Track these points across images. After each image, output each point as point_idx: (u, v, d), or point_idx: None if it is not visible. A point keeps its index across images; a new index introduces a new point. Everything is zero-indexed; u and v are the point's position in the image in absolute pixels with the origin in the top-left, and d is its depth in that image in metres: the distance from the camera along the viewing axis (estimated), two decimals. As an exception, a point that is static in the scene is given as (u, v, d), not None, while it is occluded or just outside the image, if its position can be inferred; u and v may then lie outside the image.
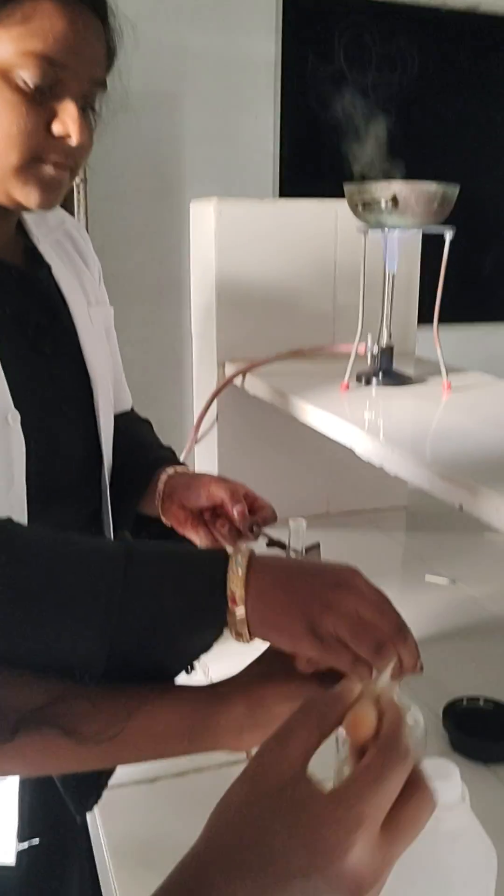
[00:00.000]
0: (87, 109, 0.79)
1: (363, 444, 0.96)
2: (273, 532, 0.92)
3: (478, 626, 1.16)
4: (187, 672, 0.60)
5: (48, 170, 0.77)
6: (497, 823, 0.77)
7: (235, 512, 0.88)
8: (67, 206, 2.64)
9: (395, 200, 1.08)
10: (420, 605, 1.24)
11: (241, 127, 2.99)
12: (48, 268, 0.90)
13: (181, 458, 1.52)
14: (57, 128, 0.75)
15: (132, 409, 1.14)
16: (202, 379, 1.50)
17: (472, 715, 0.90)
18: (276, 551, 0.93)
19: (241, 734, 0.59)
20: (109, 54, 0.83)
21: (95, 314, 0.96)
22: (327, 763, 0.45)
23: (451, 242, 1.14)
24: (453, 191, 1.11)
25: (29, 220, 0.91)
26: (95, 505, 0.95)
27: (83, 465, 0.92)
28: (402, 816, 0.42)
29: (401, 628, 0.57)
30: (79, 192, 2.51)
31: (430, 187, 1.08)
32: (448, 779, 0.55)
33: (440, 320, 1.19)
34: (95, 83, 0.78)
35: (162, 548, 0.62)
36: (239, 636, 0.58)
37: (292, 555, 0.95)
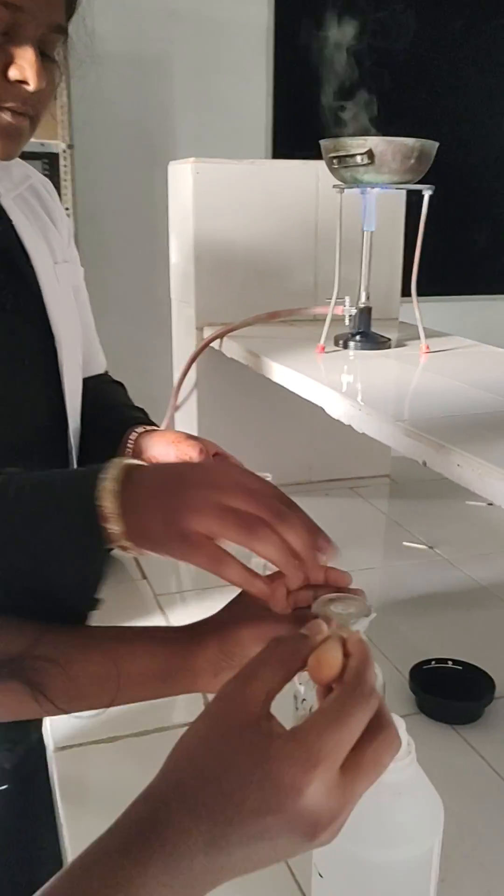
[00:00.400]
0: (46, 56, 0.76)
1: (333, 404, 0.95)
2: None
3: (452, 591, 1.15)
4: (93, 608, 0.59)
5: (5, 116, 0.75)
6: (460, 783, 0.77)
7: None
8: (54, 171, 2.60)
9: (370, 155, 1.06)
10: (396, 570, 1.23)
11: (232, 91, 2.95)
12: (9, 223, 0.88)
13: (162, 426, 1.51)
14: (13, 72, 0.73)
15: (106, 373, 1.12)
16: (181, 344, 1.49)
17: (439, 676, 0.89)
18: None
19: (217, 675, 0.58)
20: (69, 0, 0.81)
21: (62, 272, 0.94)
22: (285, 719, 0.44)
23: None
24: (431, 146, 1.08)
25: None
26: (62, 465, 0.94)
27: (47, 424, 0.90)
28: (363, 757, 0.41)
29: (280, 511, 0.53)
30: (66, 158, 2.47)
31: (407, 142, 1.06)
32: (393, 732, 0.54)
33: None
34: (54, 29, 0.75)
35: (42, 475, 0.59)
36: (127, 550, 0.56)
37: None
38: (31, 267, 0.88)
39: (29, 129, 0.79)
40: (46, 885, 0.39)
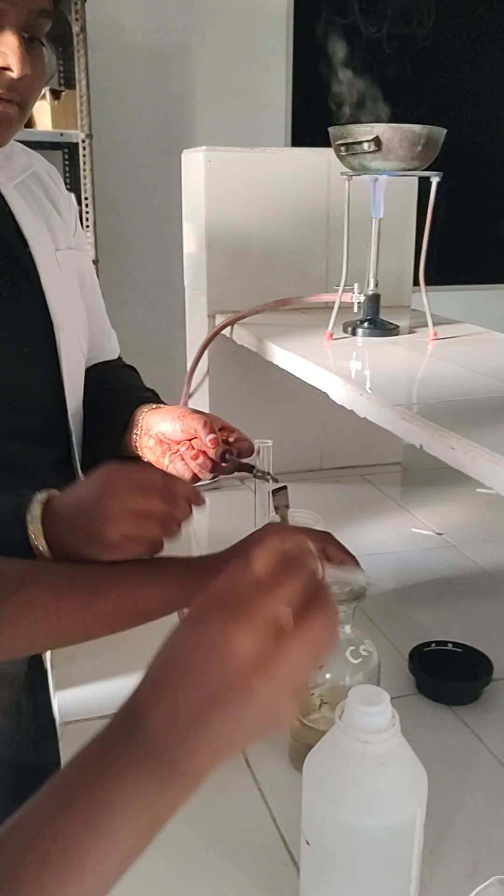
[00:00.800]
0: (34, 41, 0.77)
1: (336, 389, 0.96)
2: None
3: (458, 577, 1.16)
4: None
5: None
6: (456, 762, 0.78)
7: (208, 441, 0.88)
8: (74, 161, 2.63)
9: (377, 142, 1.06)
10: (404, 555, 1.24)
11: (252, 80, 2.95)
12: (8, 211, 0.89)
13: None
14: None
15: (119, 358, 1.14)
16: (195, 332, 1.50)
17: (438, 658, 0.90)
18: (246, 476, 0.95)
19: None
20: None
21: (65, 259, 0.95)
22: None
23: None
24: (438, 133, 1.09)
25: None
26: (63, 450, 0.96)
27: (47, 409, 0.92)
28: (299, 620, 0.45)
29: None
30: (85, 148, 2.49)
31: (414, 129, 1.06)
32: (377, 704, 0.55)
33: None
34: (39, 13, 0.76)
35: None
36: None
37: (260, 474, 0.95)
38: (30, 254, 0.90)
39: (18, 116, 0.80)
40: (37, 793, 0.41)
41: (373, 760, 0.55)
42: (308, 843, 0.59)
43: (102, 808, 0.40)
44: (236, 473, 0.92)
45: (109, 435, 0.98)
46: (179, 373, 1.52)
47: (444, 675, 0.87)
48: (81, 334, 0.97)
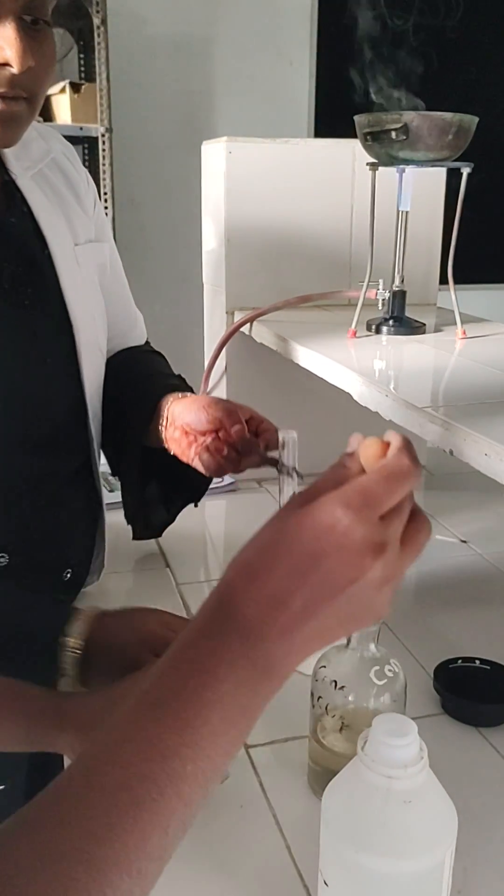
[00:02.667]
0: (38, 22, 0.70)
1: (360, 390, 0.91)
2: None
3: (484, 587, 1.11)
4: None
5: None
6: (483, 788, 0.73)
7: (233, 431, 0.85)
8: (93, 155, 2.59)
9: (405, 131, 1.01)
10: (427, 564, 1.19)
11: (275, 74, 2.90)
12: (26, 208, 0.85)
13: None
14: None
15: (147, 343, 1.11)
16: (213, 330, 1.46)
17: (465, 676, 0.85)
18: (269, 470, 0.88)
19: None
20: None
21: (84, 253, 0.91)
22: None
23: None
24: (470, 121, 1.03)
25: (8, 153, 0.85)
26: (84, 456, 0.93)
27: (68, 417, 0.89)
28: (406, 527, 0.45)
29: None
30: (105, 142, 2.45)
31: (445, 116, 1.01)
32: (404, 736, 0.51)
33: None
34: None
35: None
36: None
37: (284, 468, 0.84)
38: (48, 253, 0.85)
39: (27, 112, 0.74)
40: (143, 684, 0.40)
41: (398, 797, 0.50)
42: (326, 883, 0.54)
43: (198, 712, 0.39)
44: (262, 468, 0.87)
45: (135, 423, 0.95)
46: (199, 371, 1.48)
47: (472, 694, 0.82)
48: (100, 332, 0.94)
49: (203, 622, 0.42)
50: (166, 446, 0.92)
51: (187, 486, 1.04)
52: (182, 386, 0.98)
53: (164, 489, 1.04)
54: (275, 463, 0.84)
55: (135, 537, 1.07)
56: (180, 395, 0.93)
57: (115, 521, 1.03)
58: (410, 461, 0.45)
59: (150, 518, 1.06)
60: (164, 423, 0.91)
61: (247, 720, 0.41)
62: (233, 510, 1.33)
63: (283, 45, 2.88)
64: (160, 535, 1.10)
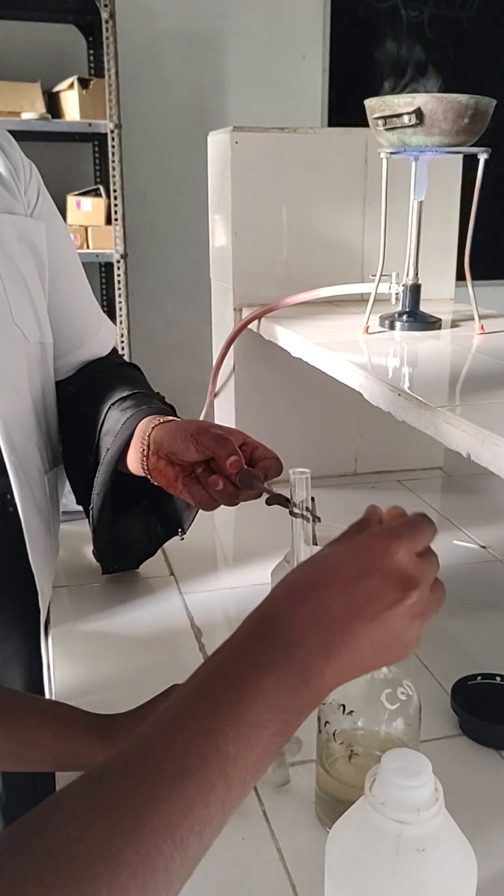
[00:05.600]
0: None
1: (372, 389, 0.86)
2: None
3: (505, 596, 1.05)
4: None
5: None
6: None
7: (229, 464, 0.75)
8: (103, 152, 2.55)
9: (419, 115, 0.96)
10: (446, 571, 1.13)
11: (288, 68, 2.85)
12: None
13: (201, 415, 1.43)
14: None
15: (113, 352, 1.01)
16: (220, 327, 1.41)
17: (485, 694, 0.80)
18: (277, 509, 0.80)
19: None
20: None
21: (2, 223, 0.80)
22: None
23: None
24: (487, 104, 0.98)
25: None
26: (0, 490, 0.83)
27: None
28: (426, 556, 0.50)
29: None
30: (114, 139, 2.41)
31: (460, 99, 0.95)
32: (417, 775, 0.45)
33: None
34: None
35: None
36: None
37: (297, 512, 0.72)
38: None
39: None
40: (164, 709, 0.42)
41: (410, 845, 0.45)
42: (332, 936, 0.49)
43: (241, 698, 0.41)
44: (269, 506, 0.76)
45: (107, 452, 0.85)
46: (208, 370, 1.43)
47: (493, 714, 0.76)
48: (24, 319, 0.82)
49: (247, 631, 0.45)
50: (148, 476, 0.83)
51: (172, 515, 0.96)
52: (161, 408, 0.87)
53: (145, 518, 0.97)
54: (285, 502, 0.72)
55: (105, 572, 1.02)
56: (162, 419, 0.83)
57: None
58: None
59: (125, 550, 0.99)
60: (146, 451, 0.81)
61: (285, 722, 0.43)
62: (240, 520, 1.28)
63: (295, 38, 2.83)
64: (137, 567, 1.04)
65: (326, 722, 0.64)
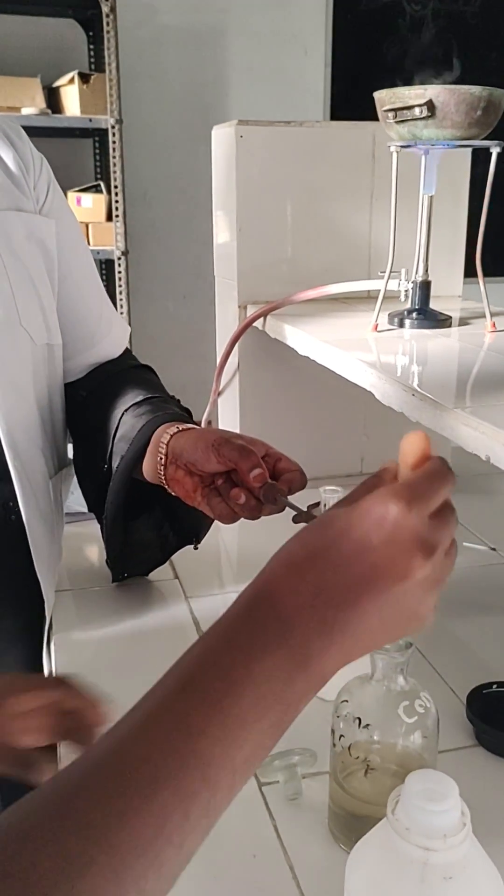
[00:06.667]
0: None
1: (383, 389, 0.83)
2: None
3: (519, 601, 1.02)
4: None
5: None
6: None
7: (252, 477, 0.71)
8: (104, 147, 2.53)
9: (430, 107, 0.93)
10: (455, 574, 1.10)
11: (290, 63, 2.82)
12: None
13: (204, 414, 1.41)
14: None
15: (126, 352, 0.98)
16: (225, 325, 1.38)
17: (502, 703, 0.77)
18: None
19: None
20: None
21: (7, 222, 0.78)
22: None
23: None
24: (500, 96, 0.95)
25: None
26: (3, 497, 0.80)
27: None
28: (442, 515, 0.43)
29: None
30: (115, 134, 2.39)
31: (473, 90, 0.93)
32: (443, 799, 0.43)
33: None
34: None
35: None
36: None
37: None
38: None
39: None
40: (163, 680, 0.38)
41: (437, 873, 0.42)
42: None
43: (229, 690, 0.37)
44: (296, 524, 0.71)
45: (122, 460, 0.82)
46: (212, 369, 1.41)
47: (510, 725, 0.74)
48: (31, 320, 0.79)
49: (239, 608, 0.41)
50: (165, 486, 0.80)
51: (186, 523, 0.93)
52: (179, 414, 0.84)
53: (158, 526, 0.94)
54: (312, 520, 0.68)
55: (114, 580, 1.00)
56: (180, 426, 0.80)
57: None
58: (449, 468, 0.44)
59: (136, 557, 0.97)
60: (163, 460, 0.78)
61: (281, 712, 0.38)
62: (246, 525, 1.25)
63: (297, 32, 2.80)
64: (146, 574, 1.02)
65: (341, 735, 0.62)
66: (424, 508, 0.41)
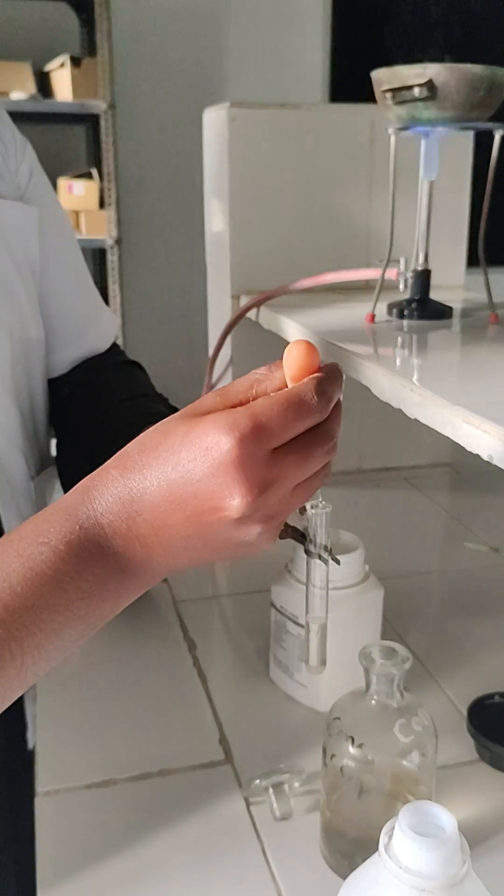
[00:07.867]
0: None
1: (380, 384, 0.79)
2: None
3: (521, 604, 0.99)
4: None
5: None
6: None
7: None
8: (95, 133, 2.47)
9: (431, 87, 0.89)
10: (456, 575, 1.07)
11: (288, 46, 2.76)
12: None
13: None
14: None
15: (114, 347, 0.94)
16: (217, 316, 1.34)
17: None
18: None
19: None
20: None
21: None
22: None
23: None
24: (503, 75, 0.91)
25: None
26: None
27: None
28: (294, 443, 0.42)
29: None
30: (107, 120, 2.33)
31: (475, 69, 0.88)
32: (441, 834, 0.39)
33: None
34: None
35: None
36: None
37: (314, 552, 0.55)
38: None
39: None
40: None
41: (434, 917, 0.39)
42: None
43: (24, 574, 0.39)
44: (282, 540, 0.63)
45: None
46: (204, 361, 1.37)
47: (513, 739, 0.70)
48: (7, 312, 0.75)
49: (64, 499, 0.43)
50: None
51: None
52: (166, 415, 0.80)
53: None
54: (301, 538, 0.57)
55: None
56: None
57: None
58: (321, 395, 0.42)
59: None
60: None
61: (59, 588, 0.40)
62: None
63: (295, 14, 2.74)
64: None
65: (333, 755, 0.58)
66: (264, 443, 0.40)
